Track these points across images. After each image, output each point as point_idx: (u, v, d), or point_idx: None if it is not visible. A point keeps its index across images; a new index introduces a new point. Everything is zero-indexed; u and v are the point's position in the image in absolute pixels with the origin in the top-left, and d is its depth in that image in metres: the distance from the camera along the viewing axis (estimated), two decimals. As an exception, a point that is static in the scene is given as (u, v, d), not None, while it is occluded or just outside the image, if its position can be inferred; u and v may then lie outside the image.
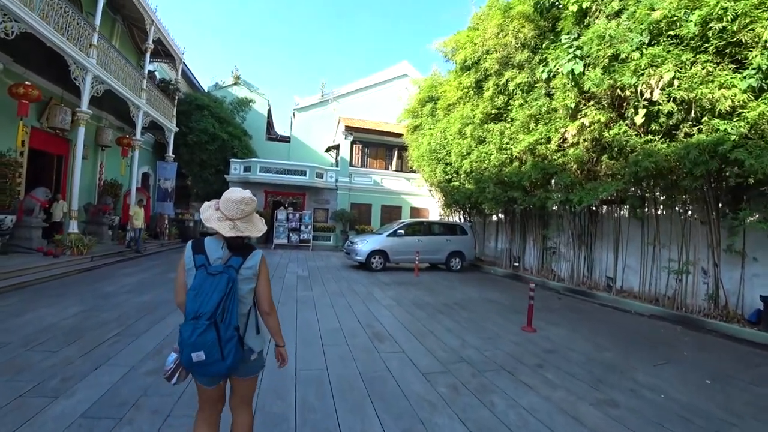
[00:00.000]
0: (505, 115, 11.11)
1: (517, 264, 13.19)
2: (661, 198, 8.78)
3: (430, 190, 19.39)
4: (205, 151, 18.24)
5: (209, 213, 1.95)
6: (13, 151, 9.45)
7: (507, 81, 10.42)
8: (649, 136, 7.53)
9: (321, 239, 19.33)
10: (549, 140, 9.72)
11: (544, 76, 9.26)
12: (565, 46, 8.34)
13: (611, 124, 8.22)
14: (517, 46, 10.17)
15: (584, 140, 8.74)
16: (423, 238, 12.93)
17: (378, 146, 21.31)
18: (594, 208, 10.34)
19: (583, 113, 8.39)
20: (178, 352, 1.87)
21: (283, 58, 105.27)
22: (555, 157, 9.63)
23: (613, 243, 9.80)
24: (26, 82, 9.49)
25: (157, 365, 3.86)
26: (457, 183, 14.22)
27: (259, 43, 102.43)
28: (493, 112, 11.30)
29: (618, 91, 7.66)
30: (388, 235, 12.43)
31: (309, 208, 19.25)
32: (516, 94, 10.37)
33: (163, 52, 16.12)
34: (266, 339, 2.14)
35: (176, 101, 16.57)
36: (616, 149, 8.33)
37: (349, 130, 20.15)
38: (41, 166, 11.82)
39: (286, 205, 18.91)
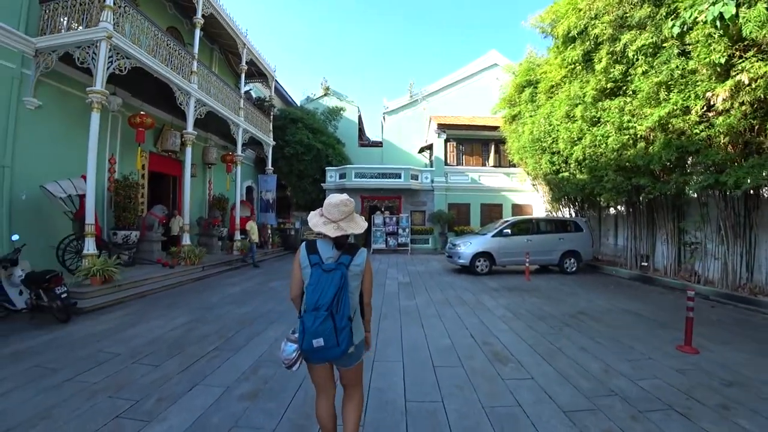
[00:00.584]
0: (624, 87, 9.48)
1: (645, 263, 11.26)
2: None
3: (533, 185, 17.81)
4: (302, 162, 18.89)
5: (316, 219, 2.21)
6: (134, 173, 10.52)
7: (625, 46, 8.82)
8: None
9: (419, 242, 18.83)
10: (687, 110, 7.99)
11: (676, 30, 7.50)
12: (707, -13, 6.70)
13: (787, 77, 6.41)
14: (634, 1, 8.58)
15: (741, 104, 6.97)
16: (532, 237, 11.68)
17: (473, 142, 20.23)
18: (752, 192, 8.26)
19: (739, 68, 6.66)
20: (297, 341, 2.13)
21: (370, 64, 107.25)
22: (696, 131, 7.89)
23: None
24: (141, 112, 10.49)
25: (253, 388, 3.64)
26: (566, 173, 12.69)
27: (345, 52, 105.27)
28: (608, 86, 9.72)
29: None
30: (492, 236, 11.43)
31: (405, 211, 18.88)
32: (637, 60, 8.72)
33: (257, 72, 17.04)
34: (362, 329, 2.34)
35: (272, 117, 17.40)
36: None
37: (441, 128, 19.40)
38: (159, 187, 13.14)
39: (383, 209, 18.77)
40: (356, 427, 2.31)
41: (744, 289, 8.26)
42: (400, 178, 18.42)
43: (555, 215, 14.93)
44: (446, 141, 19.80)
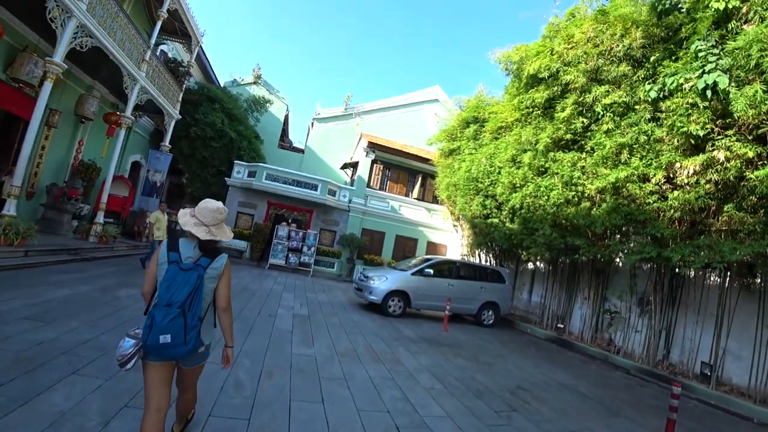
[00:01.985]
0: (581, 142, 8.90)
1: (561, 326, 10.71)
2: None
3: (455, 225, 17.11)
4: (209, 148, 16.05)
5: (186, 219, 2.27)
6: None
7: (594, 99, 8.25)
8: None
9: (323, 264, 16.86)
10: (645, 178, 7.48)
11: (653, 95, 7.11)
12: (701, 54, 6.19)
13: (758, 163, 5.99)
14: (613, 57, 8.06)
15: (707, 181, 6.48)
16: (454, 281, 10.47)
17: (400, 169, 19.15)
18: (677, 270, 8.05)
19: (718, 145, 6.15)
20: (138, 337, 2.10)
21: (309, 65, 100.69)
22: (649, 201, 7.37)
23: (714, 319, 7.43)
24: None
25: None
26: (496, 220, 11.94)
27: (285, 45, 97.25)
28: (566, 137, 9.09)
29: (785, 117, 5.45)
30: (412, 274, 9.99)
31: (315, 228, 16.88)
32: (604, 116, 8.17)
33: (180, 30, 14.24)
34: (215, 335, 2.42)
35: (184, 86, 14.50)
36: (755, 197, 6.11)
37: (372, 147, 18.03)
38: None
39: (290, 221, 16.55)
40: (188, 411, 2.51)
41: (663, 366, 7.96)
42: (316, 190, 16.47)
43: (473, 261, 14.09)
44: (373, 162, 18.44)
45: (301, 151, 22.71)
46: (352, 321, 8.16)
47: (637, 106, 7.68)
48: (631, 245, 8.26)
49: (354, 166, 19.86)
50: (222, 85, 20.42)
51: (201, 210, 2.25)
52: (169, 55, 15.77)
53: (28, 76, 8.59)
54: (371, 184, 18.41)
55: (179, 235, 2.35)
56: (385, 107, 22.74)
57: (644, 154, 7.44)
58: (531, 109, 10.23)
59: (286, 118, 22.72)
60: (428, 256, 12.48)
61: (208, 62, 19.24)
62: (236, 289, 9.10)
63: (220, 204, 2.31)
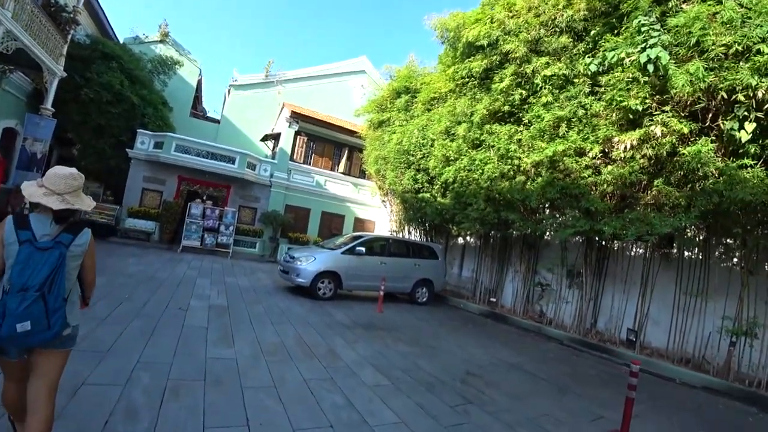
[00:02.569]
0: (518, 114, 8.69)
1: (494, 300, 10.76)
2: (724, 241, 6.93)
3: (383, 201, 16.60)
4: (105, 114, 13.52)
5: (33, 189, 1.96)
6: None
7: (534, 71, 8.00)
8: (746, 160, 5.48)
9: (244, 245, 15.50)
10: (581, 153, 7.43)
11: (593, 68, 6.98)
12: (644, 29, 6.07)
13: (690, 139, 6.08)
14: (555, 28, 7.82)
15: (642, 156, 6.52)
16: (387, 259, 9.97)
17: (326, 142, 18.09)
18: (604, 243, 8.36)
19: (655, 120, 6.14)
20: None
21: (223, 27, 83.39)
22: (584, 174, 7.36)
23: (638, 288, 7.76)
24: None
25: None
26: (428, 195, 11.61)
27: (194, 3, 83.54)
28: (503, 109, 8.82)
29: (721, 94, 5.50)
30: (342, 253, 9.28)
31: (233, 205, 15.37)
32: (543, 89, 7.98)
33: (60, -34, 11.65)
34: (79, 316, 2.15)
35: (69, 36, 11.96)
36: (682, 172, 6.27)
37: (295, 117, 16.71)
38: None
39: (204, 198, 14.86)
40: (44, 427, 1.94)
41: (592, 335, 8.24)
42: (233, 163, 14.89)
43: (405, 238, 13.71)
44: (297, 134, 17.16)
45: (217, 121, 20.58)
46: (279, 308, 7.29)
47: (576, 80, 7.55)
48: (564, 219, 8.32)
49: (276, 138, 18.40)
50: (122, 43, 17.45)
51: (50, 177, 1.99)
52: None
53: None
54: (295, 157, 17.17)
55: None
56: (308, 76, 21.29)
57: (582, 128, 7.37)
58: (467, 80, 9.82)
59: (199, 83, 20.29)
60: (358, 233, 11.86)
61: (103, 12, 16.27)
62: (141, 278, 7.77)
63: (74, 170, 2.08)
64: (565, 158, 7.49)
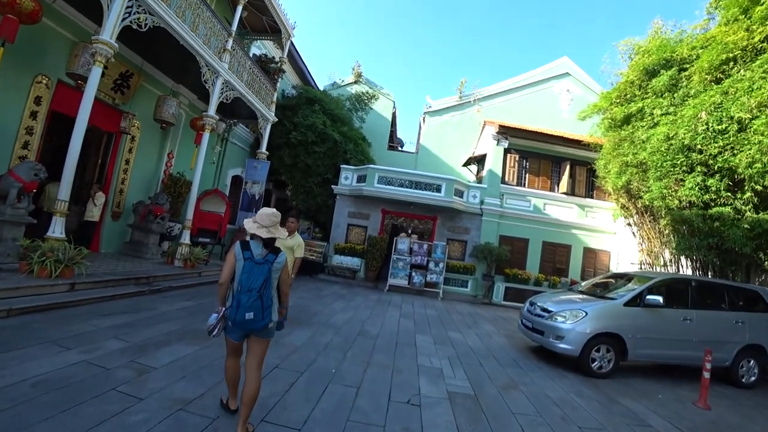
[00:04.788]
0: None
1: None
2: None
3: (630, 224, 12.45)
4: (312, 154, 13.95)
5: (250, 224, 2.82)
6: None
7: None
8: None
9: (454, 283, 13.51)
10: None
11: None
12: None
13: None
14: None
15: None
16: (693, 313, 6.29)
17: (541, 158, 15.05)
18: None
19: None
20: (220, 312, 2.73)
21: (411, 57, 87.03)
22: None
23: None
24: None
25: None
26: (727, 209, 7.49)
27: (384, 38, 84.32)
28: None
29: None
30: (626, 304, 6.09)
31: (440, 238, 13.66)
32: None
33: (269, 25, 12.37)
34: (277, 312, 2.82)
35: (277, 85, 12.51)
36: None
37: (503, 133, 14.31)
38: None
39: (409, 232, 13.56)
40: (253, 398, 2.69)
41: None
42: (439, 191, 13.25)
43: (715, 279, 9.29)
44: (506, 152, 14.67)
45: (415, 151, 19.89)
46: (548, 398, 4.61)
47: None
48: None
49: (480, 160, 16.31)
50: (322, 90, 18.56)
51: (260, 216, 2.83)
52: (258, 53, 14.10)
53: (84, 69, 6.83)
54: (506, 179, 14.62)
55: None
56: (506, 90, 18.81)
57: None
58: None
59: (394, 117, 20.07)
60: (622, 272, 8.50)
61: (303, 63, 17.45)
62: (350, 334, 6.23)
63: (273, 210, 2.89)
64: None
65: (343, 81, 19.31)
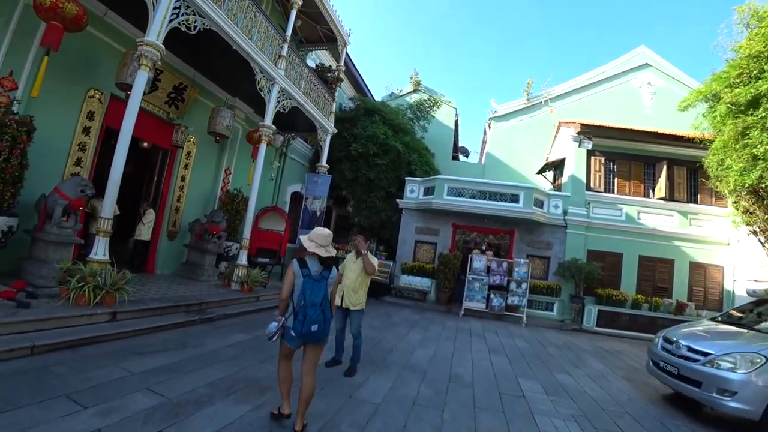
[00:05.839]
0: None
1: None
2: None
3: (754, 232, 10.29)
4: (374, 167, 13.04)
5: (308, 243, 3.04)
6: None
7: None
8: None
9: (537, 306, 11.85)
10: None
11: None
12: None
13: None
14: None
15: None
16: None
17: (631, 159, 13.09)
18: None
19: None
20: (279, 322, 2.93)
21: (462, 61, 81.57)
22: None
23: None
24: None
25: None
26: None
27: (440, 43, 79.77)
28: None
29: None
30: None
31: (519, 255, 12.11)
32: None
33: (323, 34, 11.76)
34: None
35: (335, 94, 11.80)
36: None
37: (585, 132, 12.60)
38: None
39: (484, 248, 12.17)
40: (309, 397, 2.96)
41: None
42: (516, 202, 11.78)
43: None
44: (590, 154, 12.94)
45: (479, 162, 18.56)
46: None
47: None
48: None
49: (557, 166, 14.63)
50: (379, 101, 17.81)
51: (318, 236, 3.05)
52: (313, 65, 13.60)
53: (132, 78, 6.33)
54: (591, 185, 12.84)
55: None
56: (578, 87, 17.04)
57: None
58: None
59: (456, 125, 18.85)
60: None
61: (359, 73, 16.84)
62: (436, 378, 5.05)
63: (327, 230, 3.15)
64: None
65: (400, 91, 18.45)
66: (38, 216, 5.58)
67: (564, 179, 13.51)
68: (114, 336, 4.53)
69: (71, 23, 5.41)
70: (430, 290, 12.09)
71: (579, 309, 11.52)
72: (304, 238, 3.08)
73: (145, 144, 9.84)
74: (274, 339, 2.91)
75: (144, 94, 7.30)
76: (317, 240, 3.02)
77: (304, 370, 3.00)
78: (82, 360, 3.80)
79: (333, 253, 3.09)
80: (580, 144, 12.69)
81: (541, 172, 15.79)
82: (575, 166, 12.79)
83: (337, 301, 4.51)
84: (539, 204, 12.08)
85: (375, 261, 4.62)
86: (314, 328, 2.82)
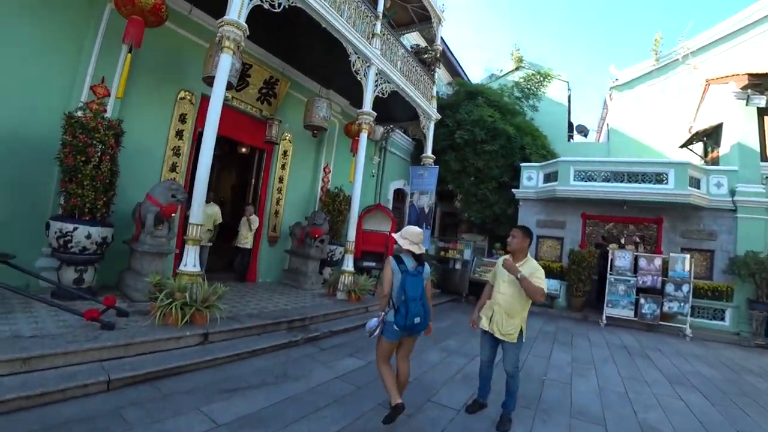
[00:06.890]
0: None
1: None
2: None
3: None
4: (482, 156, 11.55)
5: (403, 241, 3.10)
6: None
7: None
8: None
9: (699, 314, 9.32)
10: None
11: None
12: None
13: None
14: None
15: None
16: None
17: (823, 117, 9.87)
18: None
19: None
20: (380, 317, 2.99)
21: (572, 28, 67.29)
22: None
23: None
24: None
25: None
26: None
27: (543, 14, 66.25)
28: None
29: None
30: None
31: (670, 248, 9.67)
32: None
33: (415, 13, 10.51)
34: None
35: (435, 76, 10.50)
36: None
37: (755, 84, 9.68)
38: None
39: (623, 242, 9.93)
40: (406, 382, 3.17)
41: None
42: (665, 182, 9.40)
43: None
44: (762, 113, 9.97)
45: (598, 141, 15.97)
46: None
47: None
48: None
49: (709, 134, 11.68)
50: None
51: (411, 234, 3.11)
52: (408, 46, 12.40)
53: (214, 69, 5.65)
54: (767, 154, 9.90)
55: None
56: (729, 33, 13.52)
57: None
58: None
59: (569, 100, 16.38)
60: None
61: (454, 57, 15.32)
62: (624, 428, 3.54)
63: (419, 228, 3.22)
64: None
65: (501, 71, 16.55)
66: (135, 225, 5.29)
67: (724, 150, 10.62)
68: (201, 365, 3.82)
69: (151, 14, 4.97)
70: (559, 294, 10.23)
71: (763, 319, 8.80)
72: (397, 236, 3.16)
73: (244, 150, 9.54)
74: (375, 335, 3.00)
75: (234, 90, 6.84)
76: (410, 238, 3.10)
77: (400, 356, 3.15)
78: (159, 400, 3.05)
79: (423, 250, 3.18)
80: (748, 101, 9.79)
81: (685, 145, 12.79)
82: (742, 132, 9.92)
83: (484, 323, 3.48)
84: (695, 183, 9.51)
85: (543, 284, 3.36)
86: (417, 320, 2.90)
